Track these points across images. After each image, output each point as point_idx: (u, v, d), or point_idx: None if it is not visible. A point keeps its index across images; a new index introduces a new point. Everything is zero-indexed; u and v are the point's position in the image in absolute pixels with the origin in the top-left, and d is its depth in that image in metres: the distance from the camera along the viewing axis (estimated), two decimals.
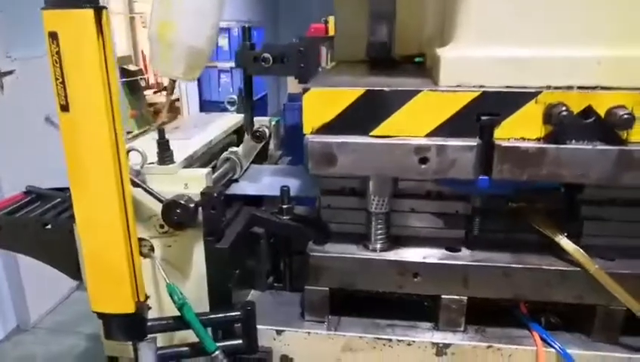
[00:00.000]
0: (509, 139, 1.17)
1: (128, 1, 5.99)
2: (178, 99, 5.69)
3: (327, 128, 1.22)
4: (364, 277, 1.34)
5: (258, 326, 1.36)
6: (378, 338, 1.34)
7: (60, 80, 1.02)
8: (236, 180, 1.63)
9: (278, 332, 1.37)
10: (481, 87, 1.17)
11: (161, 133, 1.36)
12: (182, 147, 1.49)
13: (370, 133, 1.21)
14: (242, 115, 1.95)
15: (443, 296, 1.32)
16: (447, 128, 1.18)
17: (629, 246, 1.36)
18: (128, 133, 4.79)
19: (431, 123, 1.18)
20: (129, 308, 1.13)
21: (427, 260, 1.31)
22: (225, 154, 1.60)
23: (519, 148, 1.15)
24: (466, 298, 1.32)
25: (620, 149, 1.12)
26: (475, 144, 1.16)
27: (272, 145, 2.00)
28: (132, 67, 5.73)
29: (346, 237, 1.41)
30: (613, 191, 1.32)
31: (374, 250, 1.36)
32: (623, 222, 1.36)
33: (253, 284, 1.54)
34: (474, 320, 1.36)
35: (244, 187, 1.59)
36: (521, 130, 1.16)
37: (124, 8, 5.96)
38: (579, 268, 1.27)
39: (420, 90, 1.17)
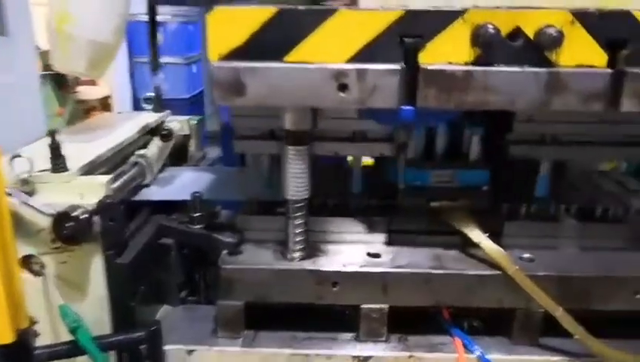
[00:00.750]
0: (434, 63, 1.08)
1: None
2: (109, 97, 5.40)
3: (235, 54, 1.08)
4: (280, 289, 1.26)
5: (167, 346, 1.26)
6: (295, 354, 1.26)
7: None
8: (147, 185, 1.51)
9: (189, 352, 1.26)
10: (404, 6, 1.07)
11: (52, 136, 1.22)
12: (82, 152, 1.35)
13: (285, 59, 1.09)
14: (159, 114, 1.83)
15: (363, 306, 1.26)
16: (368, 52, 1.07)
17: (549, 246, 1.35)
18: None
19: (351, 46, 1.08)
20: (6, 337, 1.00)
21: (346, 268, 1.25)
22: (133, 158, 1.48)
23: (445, 71, 1.07)
24: (387, 306, 1.26)
25: (550, 71, 1.06)
26: (399, 68, 1.07)
27: (192, 146, 1.89)
28: None
29: (262, 245, 1.33)
30: (541, 126, 1.32)
31: (292, 259, 1.28)
32: (542, 220, 1.35)
33: (164, 299, 1.42)
34: (397, 328, 1.31)
35: (153, 193, 1.47)
36: (447, 53, 1.07)
37: None
38: (499, 272, 1.24)
39: (337, 10, 1.07)
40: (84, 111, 5.94)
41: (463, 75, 1.07)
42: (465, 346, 1.27)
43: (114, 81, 5.43)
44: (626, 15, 1.06)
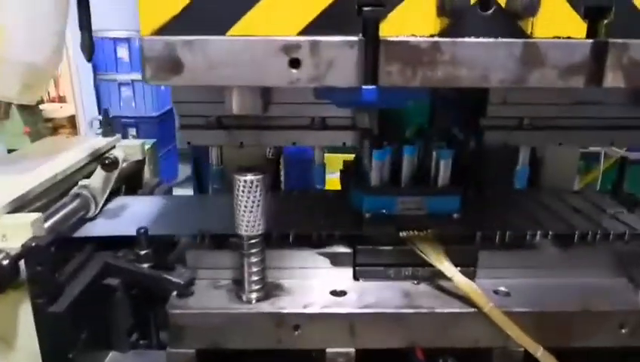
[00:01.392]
0: (398, 36, 0.96)
1: None
2: (73, 116, 5.23)
3: (170, 27, 0.94)
4: (235, 334, 1.14)
5: None
6: None
7: None
8: (92, 218, 1.37)
9: None
10: None
11: None
12: (12, 185, 1.21)
13: (228, 33, 0.95)
14: (109, 139, 1.70)
15: (328, 349, 1.15)
16: (323, 24, 0.95)
17: (526, 276, 1.26)
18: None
19: (303, 17, 0.95)
20: None
21: (307, 310, 1.14)
22: (74, 190, 1.34)
23: (409, 43, 0.95)
24: (353, 350, 1.15)
25: (526, 42, 0.96)
26: (357, 39, 0.95)
27: (147, 172, 1.76)
28: None
29: (216, 285, 1.21)
30: (518, 109, 1.23)
31: (248, 301, 1.16)
32: (518, 248, 1.26)
33: (111, 345, 1.29)
34: None
35: (97, 227, 1.34)
36: (411, 23, 0.95)
37: None
38: (474, 309, 1.14)
39: None
40: (51, 129, 5.75)
41: (430, 47, 0.95)
42: None
43: (79, 99, 5.27)
44: None
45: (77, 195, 1.34)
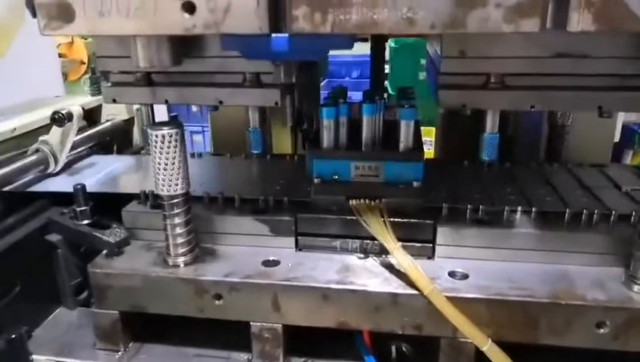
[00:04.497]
0: None
1: None
2: None
3: None
4: (157, 299, 1.08)
5: (37, 357, 1.12)
6: None
7: None
8: (54, 174, 1.37)
9: None
10: None
11: None
12: None
13: None
14: (95, 98, 1.70)
15: (252, 323, 1.06)
16: None
17: (492, 258, 1.08)
18: None
19: None
20: None
21: (228, 278, 1.05)
22: (35, 145, 1.34)
23: None
24: (280, 325, 1.05)
25: None
26: None
27: (135, 133, 1.74)
28: None
29: (151, 247, 1.16)
30: (482, 63, 1.03)
31: (175, 265, 1.09)
32: (483, 226, 1.08)
33: (59, 301, 1.29)
34: (303, 351, 1.10)
35: (52, 183, 1.33)
36: None
37: None
38: (414, 291, 0.99)
39: None
40: None
41: None
42: None
43: None
44: None
45: (36, 151, 1.33)
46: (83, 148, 1.53)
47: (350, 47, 0.93)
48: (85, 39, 3.69)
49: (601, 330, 0.95)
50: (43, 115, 1.44)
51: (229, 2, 0.81)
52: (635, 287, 0.97)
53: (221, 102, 1.12)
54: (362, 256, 1.11)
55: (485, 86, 1.03)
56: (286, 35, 0.85)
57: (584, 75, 1.00)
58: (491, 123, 1.10)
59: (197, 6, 0.82)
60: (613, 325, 0.94)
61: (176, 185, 1.02)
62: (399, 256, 1.00)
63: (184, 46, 1.02)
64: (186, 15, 0.82)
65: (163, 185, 1.02)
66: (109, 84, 1.15)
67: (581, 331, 0.95)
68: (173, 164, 1.00)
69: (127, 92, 1.15)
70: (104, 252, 1.14)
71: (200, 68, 1.09)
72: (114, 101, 1.15)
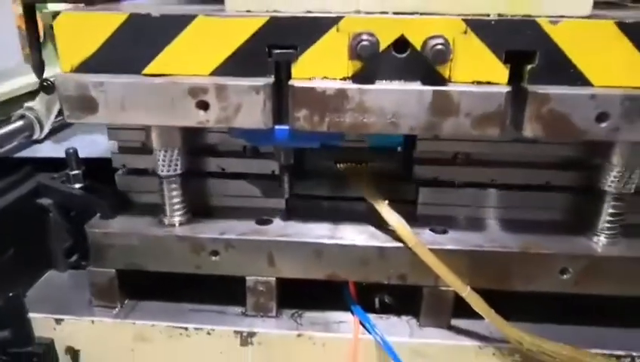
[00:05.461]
0: (311, 78, 0.92)
1: None
2: None
3: (87, 65, 0.96)
4: (154, 257, 1.13)
5: (33, 314, 1.14)
6: (173, 327, 1.13)
7: None
8: (39, 141, 1.38)
9: (58, 321, 1.15)
10: (275, 12, 0.92)
11: None
12: None
13: (143, 72, 0.95)
14: None
15: (247, 277, 1.12)
16: (234, 65, 0.93)
17: (468, 216, 1.18)
18: None
19: (215, 58, 0.94)
20: None
21: (225, 236, 1.10)
22: (20, 111, 1.34)
23: (315, 89, 0.91)
24: (274, 279, 1.12)
25: (436, 90, 0.89)
26: (263, 84, 0.92)
27: None
28: None
29: (144, 208, 1.19)
30: (451, 144, 1.13)
31: (171, 225, 1.14)
32: (463, 186, 1.17)
33: (50, 264, 1.31)
34: (294, 303, 1.18)
35: (39, 149, 1.34)
36: (323, 67, 0.92)
37: None
38: (400, 244, 1.07)
39: (195, 16, 0.92)
40: None
41: (336, 93, 0.90)
42: (364, 327, 1.13)
43: None
44: (529, 23, 0.87)
45: (22, 116, 1.33)
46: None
47: (343, 138, 1.06)
48: (41, 12, 3.58)
49: (564, 276, 1.06)
50: (24, 82, 1.43)
51: (239, 102, 0.92)
52: (595, 238, 1.09)
53: (223, 169, 1.20)
54: (348, 216, 1.18)
55: (453, 162, 1.17)
56: (287, 126, 0.96)
57: (537, 155, 1.13)
58: None
59: (210, 104, 0.92)
60: (574, 271, 1.06)
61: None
62: (387, 213, 1.08)
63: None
64: (201, 112, 0.93)
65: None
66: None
67: (547, 278, 1.07)
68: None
69: (136, 158, 1.20)
70: (98, 214, 1.17)
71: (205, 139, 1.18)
72: (123, 166, 1.22)
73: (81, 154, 1.26)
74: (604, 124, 0.89)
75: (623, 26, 0.86)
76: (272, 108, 0.94)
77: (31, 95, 1.44)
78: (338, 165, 1.20)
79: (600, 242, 1.08)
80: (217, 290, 1.19)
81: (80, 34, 0.96)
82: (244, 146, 1.19)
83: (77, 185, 1.21)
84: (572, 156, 1.14)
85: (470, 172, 1.15)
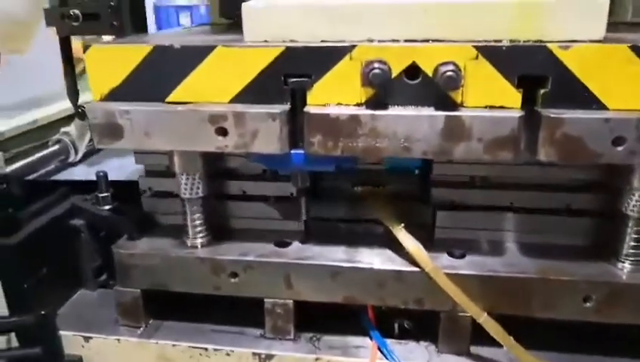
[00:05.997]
0: (325, 105, 0.96)
1: None
2: None
3: (116, 94, 1.03)
4: (176, 278, 1.16)
5: (63, 332, 1.19)
6: (193, 347, 1.16)
7: None
8: (73, 164, 1.45)
9: (86, 339, 1.20)
10: (291, 41, 0.96)
11: None
12: None
13: (167, 100, 1.01)
14: None
15: (266, 299, 1.14)
16: (252, 93, 0.97)
17: (487, 240, 1.16)
18: None
19: (234, 86, 0.98)
20: None
21: (244, 257, 1.13)
22: (57, 136, 1.42)
23: (329, 115, 0.94)
24: (291, 302, 1.13)
25: (447, 115, 0.90)
26: (279, 111, 0.95)
27: None
28: None
29: (168, 230, 1.24)
30: (468, 167, 1.13)
31: (194, 246, 1.17)
32: (481, 209, 1.16)
33: (81, 283, 1.36)
34: (311, 327, 1.18)
35: (73, 172, 1.41)
36: (337, 94, 0.95)
37: None
38: (416, 269, 1.07)
39: (215, 46, 0.97)
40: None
41: (349, 119, 0.93)
42: (381, 352, 1.12)
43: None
44: (540, 49, 0.88)
45: (58, 141, 1.41)
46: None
47: (356, 163, 1.08)
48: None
49: (587, 304, 1.04)
50: (60, 107, 1.51)
51: (256, 129, 0.96)
52: (619, 264, 1.06)
53: (244, 192, 1.24)
54: (365, 239, 1.19)
55: (471, 185, 1.17)
56: (302, 151, 1.00)
57: (557, 178, 1.12)
58: None
59: (229, 131, 0.97)
60: (597, 299, 1.03)
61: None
62: (404, 237, 1.08)
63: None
64: (220, 138, 0.98)
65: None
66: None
67: (569, 305, 1.04)
68: None
69: (161, 182, 1.26)
70: (125, 235, 1.22)
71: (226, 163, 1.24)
72: (149, 189, 1.28)
73: (111, 177, 1.33)
74: (620, 148, 0.87)
75: (637, 50, 0.85)
76: (288, 134, 0.97)
77: (69, 118, 1.52)
78: (355, 188, 1.21)
79: (625, 268, 1.05)
80: (238, 311, 1.22)
81: (108, 65, 1.02)
82: (264, 169, 1.22)
83: (106, 207, 1.27)
84: (593, 179, 1.11)
85: (488, 195, 1.15)
